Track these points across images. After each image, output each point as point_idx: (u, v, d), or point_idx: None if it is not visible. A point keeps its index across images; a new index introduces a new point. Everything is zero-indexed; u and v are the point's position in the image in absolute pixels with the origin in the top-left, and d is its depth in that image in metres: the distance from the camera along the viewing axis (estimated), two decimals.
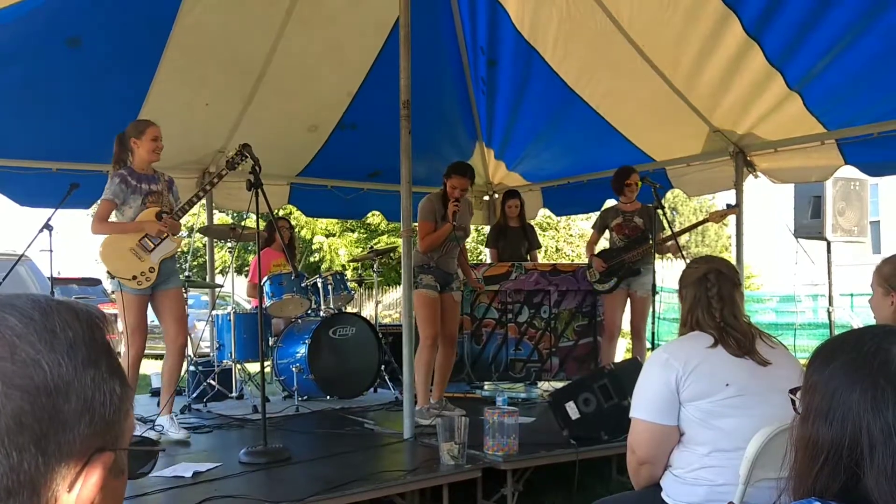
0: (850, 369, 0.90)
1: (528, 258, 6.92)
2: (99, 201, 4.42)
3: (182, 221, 4.67)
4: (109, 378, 0.68)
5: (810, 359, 0.98)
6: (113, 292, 4.55)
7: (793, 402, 1.00)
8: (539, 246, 7.28)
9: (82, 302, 0.76)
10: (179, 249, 4.62)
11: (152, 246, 4.34)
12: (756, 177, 6.00)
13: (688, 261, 2.74)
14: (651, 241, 5.64)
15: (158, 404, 5.57)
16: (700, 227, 23.84)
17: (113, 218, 4.40)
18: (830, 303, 7.49)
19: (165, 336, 4.55)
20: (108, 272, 4.39)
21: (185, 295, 5.23)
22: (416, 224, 5.09)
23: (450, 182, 5.01)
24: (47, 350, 0.64)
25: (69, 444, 0.63)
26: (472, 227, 17.53)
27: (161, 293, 4.44)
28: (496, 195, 8.30)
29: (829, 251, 7.29)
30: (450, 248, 5.18)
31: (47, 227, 5.22)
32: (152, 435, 4.45)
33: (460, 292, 5.43)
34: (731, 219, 6.15)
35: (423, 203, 5.09)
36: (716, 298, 2.29)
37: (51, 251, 5.26)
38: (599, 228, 6.17)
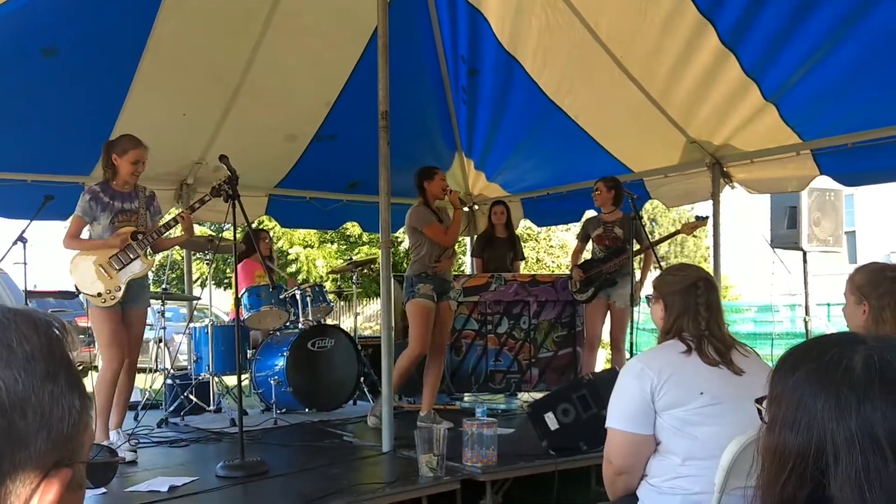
0: (815, 378, 0.91)
1: (512, 268, 6.93)
2: (70, 217, 4.40)
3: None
4: (69, 392, 0.66)
5: (775, 367, 0.98)
6: (86, 307, 4.50)
7: (759, 411, 1.00)
8: (523, 257, 7.30)
9: (58, 315, 0.74)
10: (151, 270, 4.57)
11: (121, 265, 4.29)
12: (733, 187, 6.05)
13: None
14: (629, 252, 5.66)
15: (136, 418, 5.52)
16: (679, 239, 23.95)
17: (85, 234, 4.37)
18: (807, 312, 7.54)
19: None
20: (76, 286, 4.35)
21: (164, 310, 5.20)
22: (408, 233, 5.12)
23: (437, 178, 5.07)
24: (2, 366, 0.62)
25: (25, 460, 0.62)
26: None
27: (127, 310, 4.40)
28: (476, 206, 8.31)
29: (805, 261, 7.34)
30: (449, 252, 5.15)
31: (21, 239, 5.17)
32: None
33: (455, 301, 5.39)
34: (710, 229, 6.18)
35: (415, 211, 5.05)
36: (704, 307, 2.29)
37: (25, 264, 5.21)
38: (582, 238, 6.21)
